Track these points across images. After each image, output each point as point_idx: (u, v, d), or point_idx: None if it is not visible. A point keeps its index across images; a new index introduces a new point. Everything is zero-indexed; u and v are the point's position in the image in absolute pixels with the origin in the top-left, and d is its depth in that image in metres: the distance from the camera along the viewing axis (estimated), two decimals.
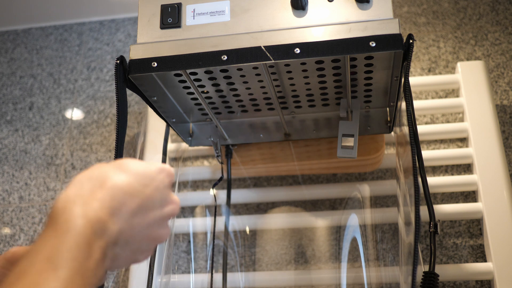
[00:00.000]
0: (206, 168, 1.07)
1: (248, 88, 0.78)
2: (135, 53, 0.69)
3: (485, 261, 0.91)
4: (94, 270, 0.38)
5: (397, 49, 0.63)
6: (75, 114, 1.26)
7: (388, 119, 0.87)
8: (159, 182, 0.45)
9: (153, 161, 1.04)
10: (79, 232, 0.38)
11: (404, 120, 0.73)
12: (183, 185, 1.08)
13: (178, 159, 1.09)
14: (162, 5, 0.70)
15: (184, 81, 0.75)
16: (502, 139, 0.98)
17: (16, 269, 0.36)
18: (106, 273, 0.42)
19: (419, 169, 0.65)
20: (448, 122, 1.06)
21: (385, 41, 0.63)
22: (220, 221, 0.99)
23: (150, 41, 0.69)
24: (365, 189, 0.99)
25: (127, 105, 0.70)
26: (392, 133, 0.89)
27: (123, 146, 0.70)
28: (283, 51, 0.65)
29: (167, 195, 0.46)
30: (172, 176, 0.47)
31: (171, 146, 1.07)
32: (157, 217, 0.45)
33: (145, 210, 0.44)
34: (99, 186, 0.41)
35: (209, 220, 1.03)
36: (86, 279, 0.37)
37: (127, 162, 0.45)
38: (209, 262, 1.01)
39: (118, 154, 0.68)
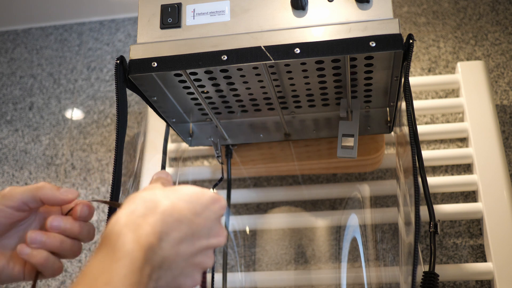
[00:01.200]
0: (206, 168, 1.07)
1: (248, 88, 0.78)
2: (135, 53, 0.69)
3: (485, 261, 0.91)
4: None
5: (397, 49, 0.63)
6: (75, 114, 1.26)
7: (388, 119, 0.87)
8: (210, 212, 0.46)
9: (153, 161, 1.04)
10: (134, 258, 0.39)
11: (404, 120, 0.73)
12: None
13: (178, 159, 1.09)
14: (162, 5, 0.70)
15: (184, 81, 0.75)
16: (502, 139, 0.98)
17: None
18: None
19: (419, 169, 0.65)
20: (448, 122, 1.06)
21: (385, 41, 0.63)
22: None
23: (150, 41, 0.69)
24: (365, 189, 0.99)
25: (127, 105, 0.70)
26: (392, 133, 0.89)
27: (123, 146, 0.70)
28: (283, 51, 0.65)
29: (216, 226, 0.46)
30: (224, 209, 0.47)
31: (171, 146, 1.07)
32: (203, 246, 0.45)
33: (192, 238, 0.44)
34: (151, 210, 0.42)
35: None
36: None
37: (182, 188, 0.45)
38: None
39: (118, 154, 0.68)
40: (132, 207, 0.43)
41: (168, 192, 0.45)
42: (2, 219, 0.50)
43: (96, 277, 0.38)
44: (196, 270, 0.45)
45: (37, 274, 0.52)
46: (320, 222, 1.00)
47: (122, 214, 0.42)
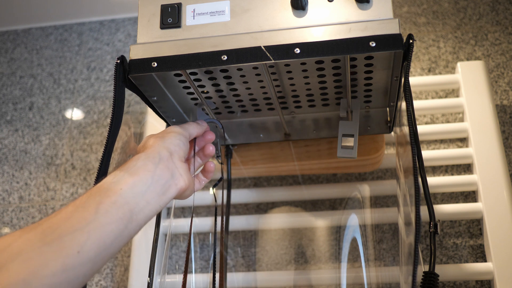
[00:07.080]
0: None
1: (248, 88, 0.78)
2: (135, 53, 0.69)
3: (485, 261, 0.91)
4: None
5: (397, 49, 0.63)
6: (75, 114, 1.26)
7: (388, 119, 0.87)
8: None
9: None
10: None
11: (404, 120, 0.73)
12: None
13: None
14: (162, 5, 0.70)
15: (184, 81, 0.75)
16: (502, 139, 0.98)
17: None
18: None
19: (419, 169, 0.65)
20: (448, 122, 1.06)
21: (385, 41, 0.63)
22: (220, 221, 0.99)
23: (150, 41, 0.69)
24: (365, 189, 0.99)
25: (123, 105, 0.70)
26: (392, 133, 0.89)
27: (114, 146, 0.68)
28: (283, 51, 0.65)
29: None
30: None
31: None
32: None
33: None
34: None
35: (209, 220, 1.03)
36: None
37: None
38: (211, 262, 1.01)
39: (107, 154, 0.66)
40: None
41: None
42: (185, 146, 0.67)
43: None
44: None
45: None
46: (320, 222, 1.00)
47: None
